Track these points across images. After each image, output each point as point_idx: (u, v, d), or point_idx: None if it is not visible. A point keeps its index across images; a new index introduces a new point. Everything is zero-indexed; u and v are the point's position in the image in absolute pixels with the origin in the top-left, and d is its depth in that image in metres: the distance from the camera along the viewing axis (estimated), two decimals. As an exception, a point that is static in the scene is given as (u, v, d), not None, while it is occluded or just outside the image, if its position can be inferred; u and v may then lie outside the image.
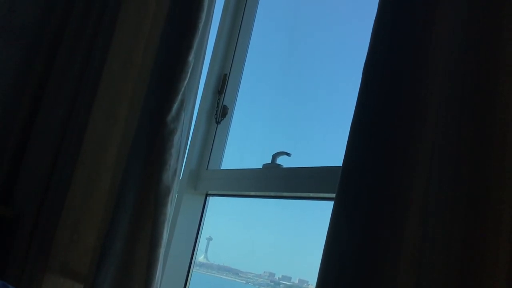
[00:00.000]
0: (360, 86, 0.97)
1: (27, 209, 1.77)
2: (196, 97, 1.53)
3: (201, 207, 1.68)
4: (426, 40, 0.90)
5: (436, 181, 0.79)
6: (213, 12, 1.57)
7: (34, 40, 2.17)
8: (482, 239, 0.70)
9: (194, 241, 1.65)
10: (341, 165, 0.95)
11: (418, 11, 0.93)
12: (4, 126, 2.08)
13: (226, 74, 1.76)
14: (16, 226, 1.78)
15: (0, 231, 1.83)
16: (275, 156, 1.48)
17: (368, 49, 0.98)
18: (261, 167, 1.50)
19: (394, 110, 0.90)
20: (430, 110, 0.86)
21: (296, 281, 1.66)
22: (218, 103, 1.74)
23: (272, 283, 1.71)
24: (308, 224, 1.51)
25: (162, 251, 1.30)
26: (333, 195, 0.96)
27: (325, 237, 0.92)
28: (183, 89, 1.41)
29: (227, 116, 1.73)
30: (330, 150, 1.48)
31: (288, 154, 1.48)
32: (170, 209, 1.35)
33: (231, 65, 1.77)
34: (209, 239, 1.81)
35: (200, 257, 1.77)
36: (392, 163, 0.87)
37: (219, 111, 1.73)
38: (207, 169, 1.69)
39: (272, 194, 1.47)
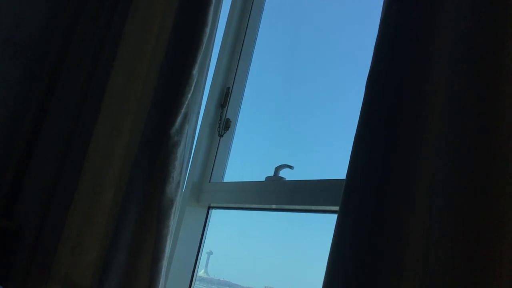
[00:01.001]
0: (363, 100, 0.97)
1: (29, 221, 1.77)
2: (199, 110, 1.53)
3: (204, 220, 1.68)
4: (428, 56, 0.91)
5: (440, 195, 0.79)
6: (217, 26, 1.59)
7: (40, 53, 2.19)
8: (486, 253, 0.70)
9: (196, 254, 1.64)
10: (344, 178, 0.95)
11: (418, 37, 0.94)
12: (8, 138, 2.08)
13: (229, 88, 1.77)
14: (18, 238, 1.77)
15: (2, 244, 1.82)
16: (277, 169, 1.49)
17: (371, 63, 0.99)
18: (263, 180, 1.50)
19: (397, 123, 0.91)
20: (433, 124, 0.86)
21: (298, 296, 1.65)
22: (221, 116, 1.74)
23: (273, 298, 1.70)
24: (311, 238, 1.51)
25: (164, 264, 1.30)
26: (337, 208, 0.96)
27: (328, 251, 0.92)
28: (187, 102, 1.42)
29: (230, 129, 1.74)
30: (333, 163, 1.49)
31: (291, 167, 1.48)
32: (173, 222, 1.35)
33: (234, 79, 1.78)
34: (210, 253, 1.81)
35: (200, 272, 1.76)
36: (396, 176, 0.88)
37: (222, 124, 1.74)
38: (209, 181, 1.70)
39: (275, 207, 1.47)
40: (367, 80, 0.98)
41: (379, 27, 1.01)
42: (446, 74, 0.86)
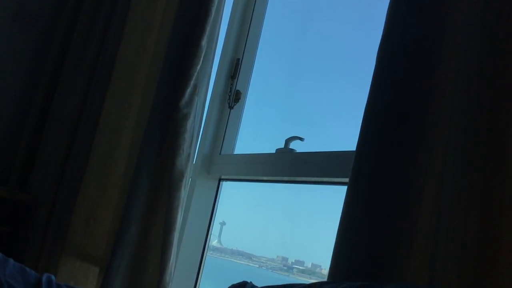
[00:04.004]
0: (374, 71, 0.96)
1: (44, 194, 1.80)
2: (209, 82, 1.52)
3: (215, 192, 1.69)
4: (441, 25, 0.89)
5: (451, 168, 0.78)
6: (225, -4, 1.56)
7: (48, 27, 2.18)
8: (497, 233, 0.70)
9: (207, 225, 1.66)
10: (354, 149, 0.95)
11: (430, 6, 0.91)
12: (20, 113, 2.10)
13: (239, 59, 1.75)
14: (33, 211, 1.80)
15: (18, 216, 1.86)
16: (288, 141, 1.48)
17: (383, 33, 0.97)
18: (274, 152, 1.50)
19: (409, 94, 0.89)
20: (446, 96, 0.85)
21: (309, 266, 1.66)
22: (231, 88, 1.73)
23: (285, 268, 1.72)
24: (321, 209, 1.51)
25: (176, 235, 1.32)
26: (346, 180, 0.95)
27: (338, 222, 0.92)
28: (196, 74, 1.41)
29: (240, 101, 1.73)
30: (343, 134, 1.48)
31: (301, 139, 1.47)
32: (183, 194, 1.36)
33: (244, 50, 1.76)
34: (223, 223, 1.82)
35: (213, 242, 1.78)
36: (407, 148, 0.87)
37: (232, 96, 1.73)
38: (220, 154, 1.70)
39: (285, 178, 1.47)
40: (378, 50, 0.96)
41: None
42: (459, 42, 0.84)
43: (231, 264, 1.88)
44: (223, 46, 1.77)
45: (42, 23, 2.18)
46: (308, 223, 1.56)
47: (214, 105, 1.72)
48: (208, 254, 1.67)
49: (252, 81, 1.76)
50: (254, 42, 1.78)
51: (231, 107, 1.73)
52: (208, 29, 1.43)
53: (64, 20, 2.11)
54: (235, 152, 1.73)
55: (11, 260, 0.94)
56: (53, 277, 0.95)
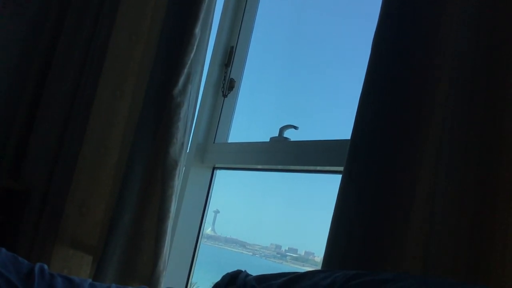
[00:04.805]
0: (369, 60, 0.95)
1: (36, 183, 1.79)
2: (202, 70, 1.51)
3: (209, 180, 1.68)
4: (437, 16, 0.88)
5: (446, 157, 0.78)
6: (219, -17, 1.54)
7: (40, 12, 2.15)
8: (491, 217, 0.70)
9: (201, 213, 1.66)
10: (349, 138, 0.95)
11: None
12: (12, 100, 2.08)
13: (233, 47, 1.74)
14: (26, 199, 1.80)
15: (11, 205, 1.85)
16: (282, 129, 1.48)
17: (377, 23, 0.96)
18: (268, 140, 1.50)
19: (404, 83, 0.89)
20: (440, 86, 0.84)
21: (302, 253, 1.67)
22: (225, 76, 1.72)
23: (279, 255, 1.73)
24: (315, 198, 1.52)
25: (170, 223, 1.31)
26: (341, 169, 0.95)
27: (331, 211, 0.92)
28: (189, 62, 1.40)
29: (234, 89, 1.72)
30: (337, 123, 1.48)
31: (295, 128, 1.47)
32: (177, 182, 1.35)
33: (238, 38, 1.75)
34: (216, 212, 1.83)
35: (207, 230, 1.79)
36: (401, 136, 0.87)
37: (226, 84, 1.72)
38: (214, 142, 1.69)
39: (279, 167, 1.47)
40: (373, 40, 0.96)
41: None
42: (454, 35, 0.84)
43: (225, 252, 1.89)
44: (216, 34, 1.76)
45: (33, 10, 2.15)
46: (302, 212, 1.56)
47: (208, 94, 1.71)
48: (202, 242, 1.68)
49: (246, 69, 1.75)
50: (248, 30, 1.76)
51: (225, 96, 1.72)
52: (201, 16, 1.42)
53: (55, 6, 2.08)
54: (229, 141, 1.72)
55: (3, 249, 0.93)
56: (46, 266, 0.95)
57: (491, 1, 0.79)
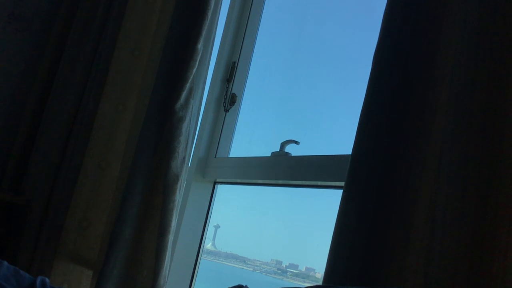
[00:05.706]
0: (370, 74, 0.96)
1: (37, 196, 1.79)
2: (204, 85, 1.52)
3: (209, 195, 1.68)
4: (437, 32, 0.89)
5: (445, 174, 0.79)
6: (221, 0, 1.56)
7: (44, 28, 2.17)
8: (491, 235, 0.70)
9: (202, 228, 1.65)
10: (350, 153, 0.95)
11: (427, 11, 0.91)
12: (15, 113, 2.09)
13: (234, 62, 1.75)
14: (26, 213, 1.79)
15: (11, 218, 1.84)
16: (283, 144, 1.48)
17: (379, 37, 0.97)
18: (269, 155, 1.50)
19: (404, 100, 0.90)
20: (441, 101, 0.85)
21: (303, 269, 1.66)
22: (226, 91, 1.73)
23: (279, 271, 1.72)
24: (316, 213, 1.51)
25: (170, 238, 1.31)
26: (342, 184, 0.95)
27: (332, 226, 0.92)
28: (191, 77, 1.41)
29: (235, 104, 1.73)
30: (339, 138, 1.48)
31: (296, 142, 1.47)
32: (178, 197, 1.35)
33: (240, 53, 1.76)
34: (217, 226, 1.82)
35: (208, 245, 1.78)
36: (402, 153, 0.87)
37: (227, 99, 1.73)
38: (215, 157, 1.70)
39: (280, 182, 1.47)
40: (374, 54, 0.96)
41: (387, 1, 0.98)
42: (455, 48, 0.85)
43: (225, 267, 1.87)
44: (219, 49, 1.78)
45: (37, 25, 2.18)
46: (303, 227, 1.55)
47: (210, 108, 1.72)
48: (203, 258, 1.67)
49: (248, 84, 1.76)
50: (250, 45, 1.78)
51: (226, 110, 1.72)
52: (204, 32, 1.43)
53: (59, 22, 2.10)
54: (230, 155, 1.72)
55: (5, 262, 0.93)
56: (47, 280, 0.95)
57: (490, 17, 0.80)
